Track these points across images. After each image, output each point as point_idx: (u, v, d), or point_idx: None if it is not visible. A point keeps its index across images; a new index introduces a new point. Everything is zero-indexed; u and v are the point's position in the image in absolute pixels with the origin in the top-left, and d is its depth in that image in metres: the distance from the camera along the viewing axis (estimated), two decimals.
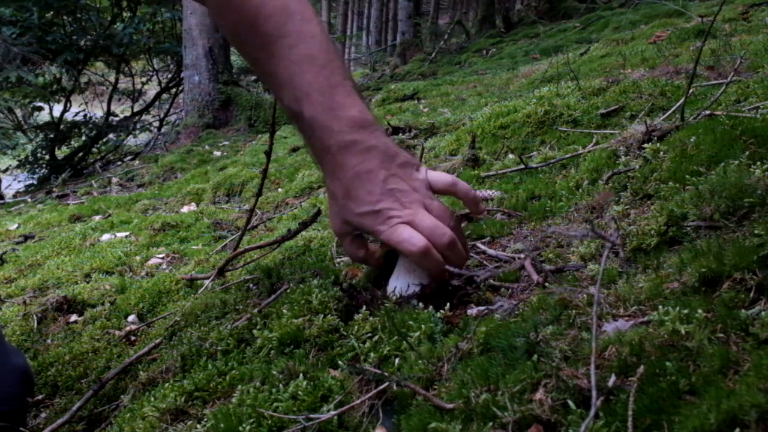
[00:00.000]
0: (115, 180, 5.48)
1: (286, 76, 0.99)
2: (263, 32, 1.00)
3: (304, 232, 1.51)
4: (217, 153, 5.83)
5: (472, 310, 0.93)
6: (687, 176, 1.06)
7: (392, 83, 6.54)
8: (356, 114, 0.97)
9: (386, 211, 0.96)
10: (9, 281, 2.04)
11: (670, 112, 1.61)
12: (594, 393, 0.59)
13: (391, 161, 0.98)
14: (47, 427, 1.02)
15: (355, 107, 0.98)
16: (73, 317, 1.60)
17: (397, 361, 0.83)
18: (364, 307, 0.97)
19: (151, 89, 10.01)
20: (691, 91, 1.68)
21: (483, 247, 1.20)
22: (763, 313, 0.64)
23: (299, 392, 0.80)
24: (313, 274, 1.14)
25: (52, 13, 7.29)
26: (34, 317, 1.59)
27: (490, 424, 0.63)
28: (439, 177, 1.03)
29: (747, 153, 1.02)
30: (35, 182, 7.53)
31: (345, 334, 0.95)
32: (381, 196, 0.96)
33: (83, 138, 8.02)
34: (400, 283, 1.00)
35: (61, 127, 7.75)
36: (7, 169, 7.88)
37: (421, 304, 0.95)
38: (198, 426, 0.81)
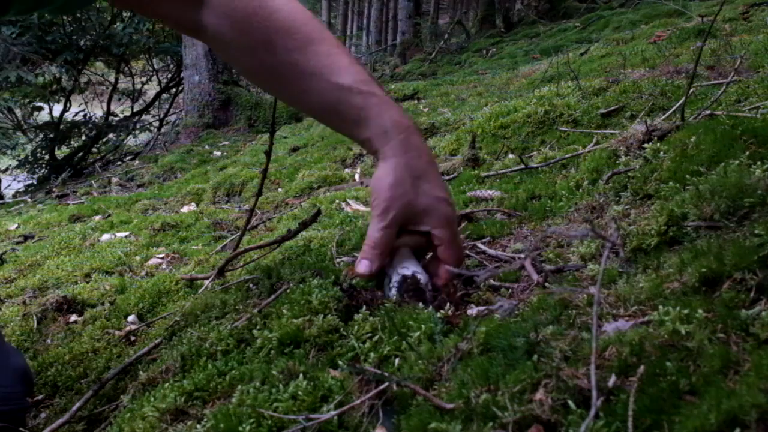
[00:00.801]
0: (115, 180, 5.48)
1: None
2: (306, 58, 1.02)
3: (304, 232, 1.51)
4: (217, 153, 5.83)
5: (472, 310, 0.93)
6: (687, 176, 1.06)
7: (392, 83, 6.54)
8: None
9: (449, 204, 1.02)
10: (9, 281, 2.04)
11: (670, 112, 1.61)
12: (594, 393, 0.59)
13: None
14: (47, 427, 1.02)
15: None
16: (73, 317, 1.59)
17: (397, 361, 0.83)
18: (364, 307, 0.97)
19: (151, 89, 10.00)
20: (691, 90, 1.68)
21: (483, 247, 1.20)
22: (763, 313, 0.64)
23: (299, 392, 0.80)
24: (313, 274, 1.14)
25: None
26: (34, 317, 1.59)
27: (490, 424, 0.63)
28: None
29: (747, 153, 1.02)
30: (35, 182, 7.53)
31: (345, 334, 0.95)
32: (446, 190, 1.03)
33: (83, 138, 8.02)
34: (397, 274, 1.01)
35: (61, 127, 7.74)
36: (6, 169, 7.88)
37: (421, 304, 0.95)
38: (198, 426, 0.81)
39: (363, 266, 1.01)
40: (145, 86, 9.63)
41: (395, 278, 1.02)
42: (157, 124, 9.23)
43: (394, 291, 1.01)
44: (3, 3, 0.99)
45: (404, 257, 1.03)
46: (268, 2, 1.03)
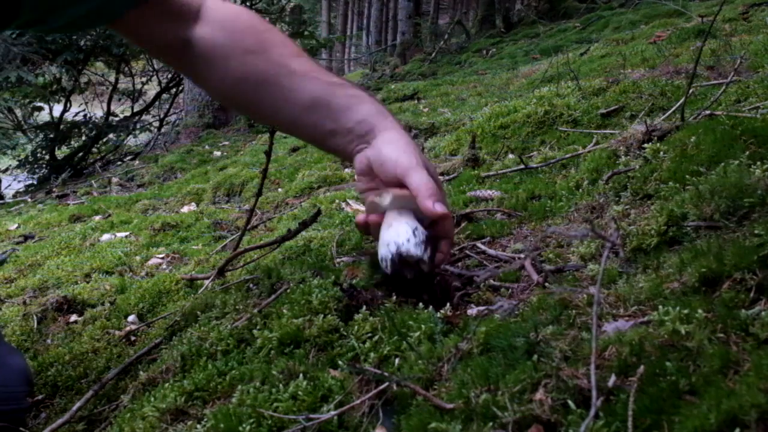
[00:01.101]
0: (115, 180, 5.48)
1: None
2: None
3: (304, 232, 1.51)
4: (217, 153, 5.83)
5: (472, 310, 0.93)
6: (687, 176, 1.06)
7: (392, 83, 6.54)
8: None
9: None
10: (9, 281, 2.04)
11: (670, 112, 1.61)
12: (594, 393, 0.59)
13: None
14: (47, 427, 1.02)
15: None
16: (73, 317, 1.59)
17: (397, 361, 0.83)
18: (364, 307, 0.97)
19: (151, 89, 9.99)
20: (691, 91, 1.68)
21: (483, 247, 1.20)
22: (763, 313, 0.64)
23: (299, 392, 0.80)
24: (313, 274, 1.14)
25: None
26: (34, 317, 1.59)
27: (490, 424, 0.63)
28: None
29: (747, 153, 1.02)
30: (35, 182, 7.52)
31: (345, 334, 0.95)
32: None
33: (83, 138, 8.01)
34: (392, 234, 0.99)
35: (61, 127, 7.73)
36: (7, 169, 7.87)
37: (420, 302, 0.95)
38: (198, 426, 0.81)
39: (442, 206, 0.97)
40: (145, 86, 9.62)
41: (422, 233, 0.99)
42: (157, 124, 9.22)
43: (421, 247, 0.97)
44: (4, 19, 0.99)
45: (414, 216, 1.01)
46: (262, 21, 1.18)
